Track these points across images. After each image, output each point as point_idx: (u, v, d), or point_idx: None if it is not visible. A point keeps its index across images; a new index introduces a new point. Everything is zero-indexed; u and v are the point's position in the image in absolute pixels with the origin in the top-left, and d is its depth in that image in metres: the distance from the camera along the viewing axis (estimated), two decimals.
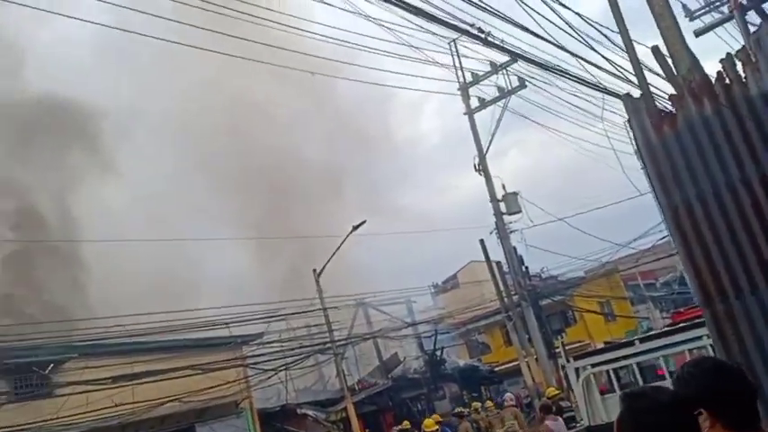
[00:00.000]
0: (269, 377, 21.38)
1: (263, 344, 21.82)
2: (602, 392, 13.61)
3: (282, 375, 21.87)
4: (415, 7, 8.20)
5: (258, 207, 38.93)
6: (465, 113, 25.66)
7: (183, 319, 19.41)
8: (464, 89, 25.34)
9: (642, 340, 10.93)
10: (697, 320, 9.76)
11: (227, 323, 19.81)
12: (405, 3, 7.94)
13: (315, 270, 22.90)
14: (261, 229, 33.74)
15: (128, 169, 37.67)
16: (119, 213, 33.35)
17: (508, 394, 20.55)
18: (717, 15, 15.15)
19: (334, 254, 23.18)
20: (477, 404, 22.02)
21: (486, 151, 25.23)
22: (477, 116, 25.51)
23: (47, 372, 17.43)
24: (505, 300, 24.92)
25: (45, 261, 27.30)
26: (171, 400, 18.77)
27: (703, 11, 14.84)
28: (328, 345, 22.36)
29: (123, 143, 37.66)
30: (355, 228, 23.75)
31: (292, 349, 21.99)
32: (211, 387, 19.17)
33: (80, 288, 28.04)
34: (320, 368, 26.30)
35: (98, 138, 33.88)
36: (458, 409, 21.06)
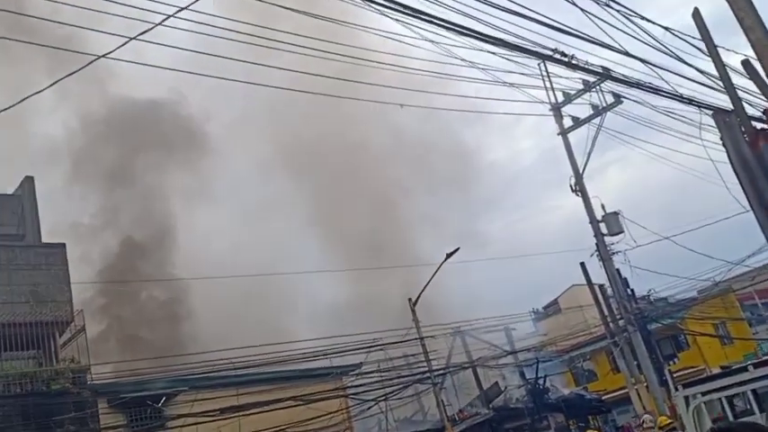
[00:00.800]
0: (369, 407, 21.52)
1: (362, 374, 22.05)
2: (717, 421, 12.78)
3: (382, 405, 21.97)
4: (498, 39, 8.23)
5: (355, 237, 39.68)
6: (559, 133, 25.23)
7: (285, 351, 20.02)
8: (556, 109, 24.95)
9: (756, 365, 10.23)
10: None
11: (326, 354, 20.21)
12: (486, 36, 7.98)
13: (410, 299, 22.99)
14: (357, 260, 34.32)
15: (227, 198, 39.44)
16: (221, 242, 34.96)
17: (646, 416, 19.43)
18: None
19: (429, 282, 23.21)
20: None
21: (583, 171, 24.61)
22: (573, 135, 25.02)
23: (159, 404, 18.38)
24: (611, 324, 23.98)
25: (150, 294, 28.91)
26: (276, 430, 19.28)
27: None
28: (426, 374, 22.28)
29: (223, 171, 39.53)
30: (449, 255, 23.69)
31: (391, 379, 22.07)
32: (314, 418, 19.54)
33: (184, 321, 29.49)
34: (419, 398, 26.18)
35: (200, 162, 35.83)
36: None
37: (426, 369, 22.14)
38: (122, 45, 6.75)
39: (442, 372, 23.97)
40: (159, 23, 6.80)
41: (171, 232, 32.66)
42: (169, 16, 6.61)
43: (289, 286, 32.69)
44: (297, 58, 9.49)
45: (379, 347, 22.18)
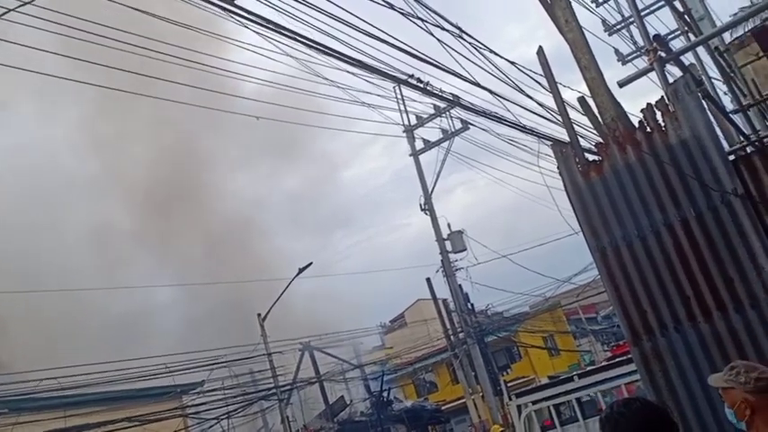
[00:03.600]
0: (210, 426, 20.72)
1: (205, 392, 21.19)
2: (546, 427, 13.81)
3: (225, 424, 21.23)
4: (358, 60, 8.38)
5: (200, 250, 38.25)
6: (410, 155, 26.11)
7: (120, 370, 18.73)
8: (409, 131, 25.85)
9: (581, 375, 11.18)
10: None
11: (167, 372, 19.20)
12: (347, 57, 8.09)
13: (259, 314, 22.56)
14: (202, 273, 33.09)
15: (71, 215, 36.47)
16: (52, 259, 32.15)
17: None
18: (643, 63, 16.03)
19: (279, 297, 22.94)
20: None
21: (432, 191, 25.68)
22: (423, 157, 26.03)
23: None
24: (452, 337, 25.07)
25: None
26: None
27: (634, 55, 15.67)
28: (272, 391, 21.91)
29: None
30: (301, 270, 23.60)
31: (235, 396, 21.43)
32: None
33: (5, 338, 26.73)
34: (264, 415, 25.67)
35: None
36: None
37: (273, 385, 21.77)
38: None
39: (288, 388, 23.67)
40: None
41: None
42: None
43: (125, 299, 30.74)
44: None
45: (223, 364, 21.48)
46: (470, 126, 23.66)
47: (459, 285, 25.15)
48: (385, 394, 28.41)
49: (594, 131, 6.97)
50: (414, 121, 25.57)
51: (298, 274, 23.34)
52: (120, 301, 29.62)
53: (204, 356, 20.66)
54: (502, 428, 17.87)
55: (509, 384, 23.44)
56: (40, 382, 16.90)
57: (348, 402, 27.58)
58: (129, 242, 37.46)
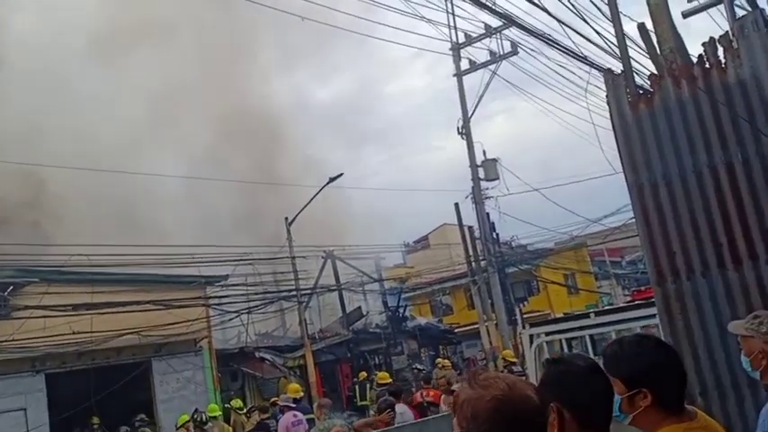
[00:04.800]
0: (230, 319, 21.50)
1: (228, 286, 21.86)
2: None
3: (244, 318, 22.00)
4: None
5: (239, 149, 38.41)
6: (454, 74, 25.48)
7: (150, 254, 19.34)
8: (456, 49, 25.10)
9: (598, 313, 11.17)
10: (653, 301, 9.98)
11: (194, 262, 19.77)
12: None
13: (287, 218, 22.85)
14: (241, 173, 33.33)
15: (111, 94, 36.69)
16: (93, 138, 32.66)
17: (445, 361, 20.53)
18: None
19: (308, 203, 23.13)
20: (444, 361, 21.85)
21: (472, 115, 25.20)
22: (466, 79, 25.39)
23: (6, 293, 17.28)
24: (473, 264, 25.22)
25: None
26: (130, 333, 18.79)
27: None
28: (293, 293, 22.48)
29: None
30: (332, 179, 23.66)
31: (257, 294, 22.08)
32: (172, 324, 19.21)
33: (42, 209, 27.62)
34: (283, 315, 26.49)
35: None
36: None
37: (294, 288, 22.32)
38: None
39: (308, 292, 24.27)
40: None
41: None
42: None
43: (169, 191, 31.33)
44: None
45: (248, 262, 22.04)
46: (520, 52, 22.90)
47: (487, 214, 25.10)
48: (401, 310, 29.03)
49: (650, 66, 6.62)
50: (462, 39, 24.78)
51: (328, 183, 23.43)
52: (154, 187, 30.22)
53: (231, 252, 21.20)
54: (513, 357, 18.21)
55: (524, 316, 23.73)
56: (71, 257, 17.56)
57: (364, 313, 28.26)
58: (167, 131, 37.75)
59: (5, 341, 16.49)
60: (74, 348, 18.22)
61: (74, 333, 17.29)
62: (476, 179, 24.92)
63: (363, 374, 21.76)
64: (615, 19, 6.62)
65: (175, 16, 37.00)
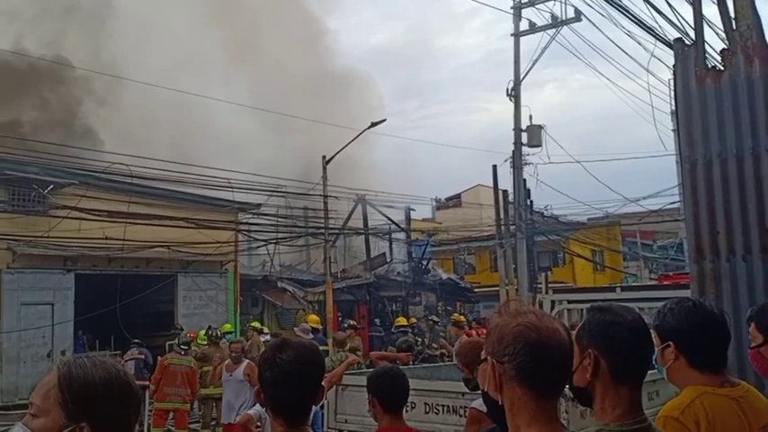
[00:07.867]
0: (258, 246, 21.88)
1: (260, 215, 22.16)
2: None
3: (271, 248, 22.35)
4: None
5: (285, 84, 38.40)
6: (512, 34, 24.86)
7: (188, 174, 19.63)
8: (517, 8, 24.44)
9: (624, 288, 11.14)
10: (681, 284, 9.89)
11: (230, 187, 20.02)
12: None
13: (324, 156, 22.88)
14: (284, 106, 33.38)
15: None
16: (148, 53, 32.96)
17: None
18: None
19: (347, 145, 23.09)
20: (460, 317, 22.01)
21: (524, 78, 24.65)
22: (522, 42, 24.75)
23: (46, 191, 17.74)
24: (502, 228, 25.13)
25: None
26: (161, 245, 19.28)
27: None
28: (321, 230, 22.71)
29: None
30: (374, 124, 23.51)
31: (286, 226, 22.37)
32: (202, 243, 19.63)
33: (91, 117, 28.15)
34: (308, 250, 26.85)
35: None
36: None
37: (323, 226, 22.54)
38: None
39: (337, 231, 24.49)
40: None
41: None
42: None
43: (207, 109, 31.60)
44: None
45: (281, 194, 22.26)
46: (582, 20, 22.19)
47: (524, 180, 24.83)
48: (424, 262, 29.19)
49: (717, 42, 6.39)
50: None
51: (369, 127, 23.30)
52: (209, 113, 30.68)
53: (266, 182, 21.41)
54: None
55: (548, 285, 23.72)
56: (111, 164, 17.92)
57: (388, 261, 28.49)
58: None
59: (41, 237, 17.05)
60: (105, 253, 18.78)
61: (106, 239, 17.79)
62: (518, 143, 24.54)
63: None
64: None
65: None
